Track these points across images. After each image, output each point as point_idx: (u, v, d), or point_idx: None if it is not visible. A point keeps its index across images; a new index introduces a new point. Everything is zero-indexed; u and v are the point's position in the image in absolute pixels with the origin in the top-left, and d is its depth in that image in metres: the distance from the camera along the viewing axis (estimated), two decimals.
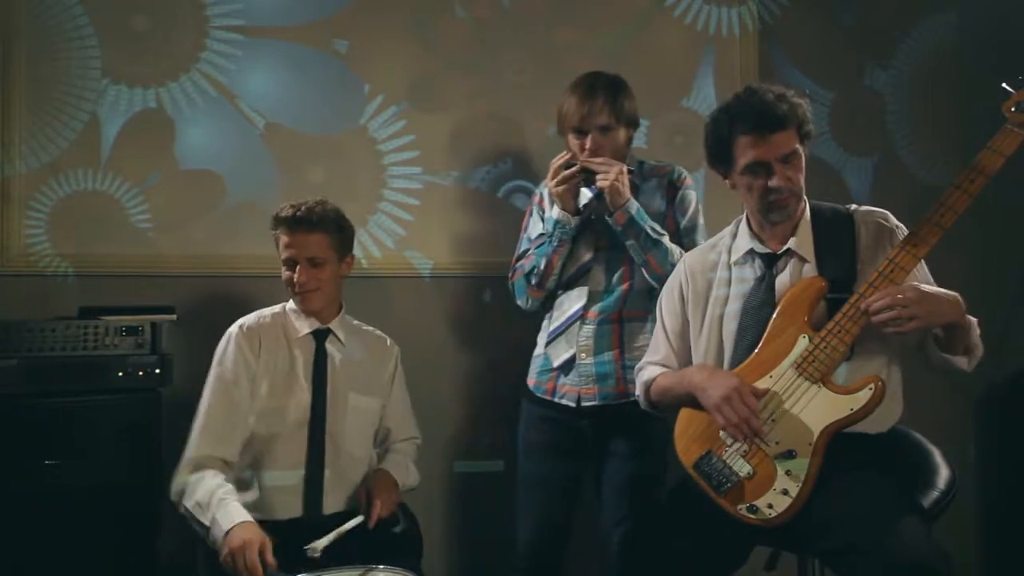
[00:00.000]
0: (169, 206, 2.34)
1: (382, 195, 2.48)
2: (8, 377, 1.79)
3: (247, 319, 1.90)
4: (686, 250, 1.96)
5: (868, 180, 2.81)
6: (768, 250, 1.69)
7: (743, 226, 1.76)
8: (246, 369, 1.82)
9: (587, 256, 2.02)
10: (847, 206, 1.73)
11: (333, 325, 1.93)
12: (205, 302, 2.33)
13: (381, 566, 1.47)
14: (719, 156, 1.69)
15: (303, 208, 1.84)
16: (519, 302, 2.11)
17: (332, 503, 1.82)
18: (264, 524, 1.72)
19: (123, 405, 1.88)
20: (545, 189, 2.10)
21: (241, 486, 1.78)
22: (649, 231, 1.93)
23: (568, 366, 2.00)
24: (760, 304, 1.66)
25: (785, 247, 1.67)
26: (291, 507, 1.79)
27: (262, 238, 2.03)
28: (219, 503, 1.63)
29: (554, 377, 2.02)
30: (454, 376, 2.51)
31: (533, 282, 2.03)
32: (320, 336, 1.91)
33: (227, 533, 1.58)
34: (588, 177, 1.96)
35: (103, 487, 1.82)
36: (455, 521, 2.49)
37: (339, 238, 1.90)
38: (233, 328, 1.88)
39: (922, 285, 1.52)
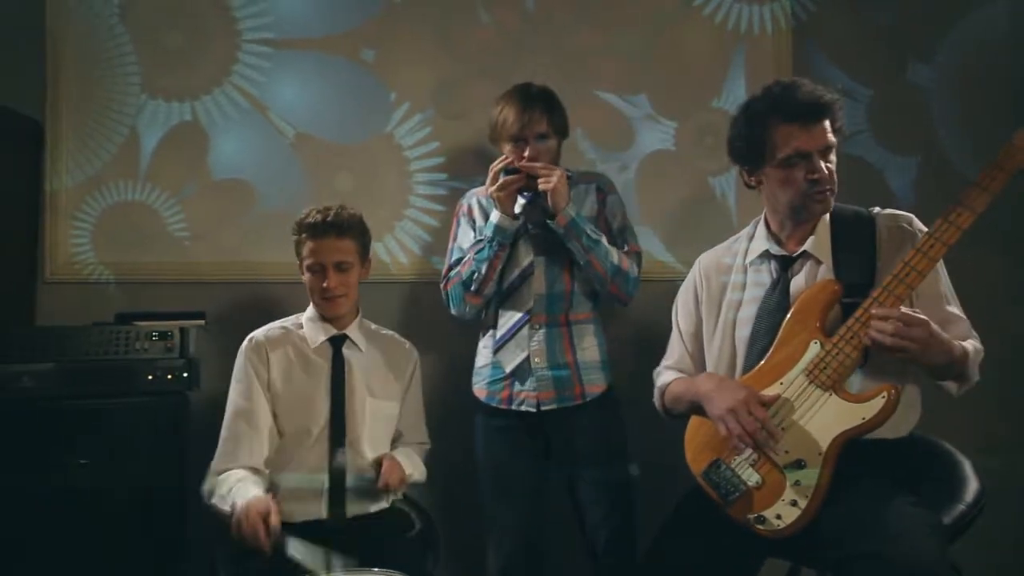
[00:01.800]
0: (204, 215, 2.42)
1: (408, 201, 2.51)
2: (44, 380, 1.89)
3: (257, 332, 1.96)
4: (625, 252, 2.03)
5: (911, 179, 2.70)
6: (784, 252, 1.65)
7: (761, 227, 1.72)
8: (258, 380, 1.87)
9: (527, 260, 2.05)
10: (870, 208, 1.67)
11: (350, 330, 1.97)
12: (238, 307, 2.39)
13: (376, 569, 1.48)
14: (751, 148, 1.63)
15: (331, 214, 1.88)
16: (454, 311, 2.14)
17: (355, 507, 1.85)
18: (286, 526, 1.77)
19: (152, 407, 1.94)
20: (473, 199, 2.17)
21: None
22: (589, 232, 1.97)
23: (522, 371, 2.02)
24: (774, 309, 1.62)
25: (801, 249, 1.63)
26: (312, 510, 1.82)
27: (292, 245, 2.07)
28: (238, 489, 1.69)
29: (508, 384, 2.04)
30: None
31: (472, 288, 2.05)
32: (337, 342, 1.94)
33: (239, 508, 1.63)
34: (525, 183, 1.99)
35: (131, 486, 1.88)
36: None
37: (363, 242, 1.95)
38: (244, 343, 1.93)
39: (934, 328, 1.44)
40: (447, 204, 2.52)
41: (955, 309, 1.59)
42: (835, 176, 1.60)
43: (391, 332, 2.09)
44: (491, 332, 2.10)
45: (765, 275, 1.67)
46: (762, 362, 1.58)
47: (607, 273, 1.98)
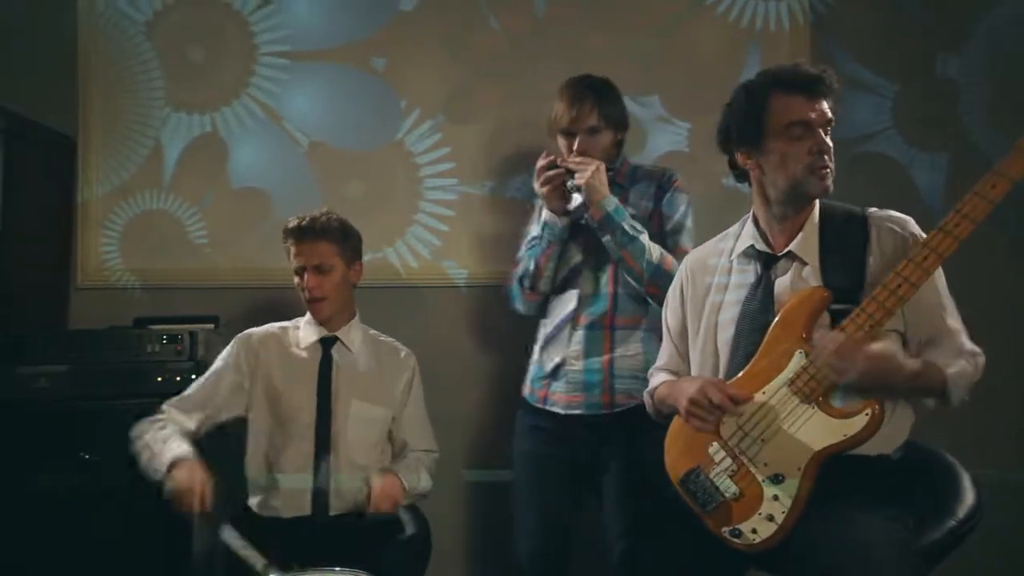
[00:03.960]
0: (223, 222, 2.52)
1: (418, 206, 2.55)
2: (60, 381, 2.01)
3: (255, 330, 2.02)
4: (670, 251, 1.95)
5: (941, 177, 2.58)
6: (769, 250, 1.59)
7: (748, 224, 1.67)
8: (236, 372, 1.94)
9: (576, 259, 2.02)
10: (864, 208, 1.60)
11: (341, 333, 2.01)
12: (255, 312, 2.45)
13: (337, 568, 1.51)
14: (750, 122, 1.54)
15: (308, 218, 1.95)
16: (515, 306, 2.12)
17: (336, 506, 1.89)
18: (273, 522, 1.85)
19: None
20: None
21: (252, 488, 1.91)
22: (627, 228, 1.91)
23: (558, 371, 1.99)
24: (757, 311, 1.55)
25: (787, 248, 1.57)
26: (297, 507, 1.87)
27: None
28: (163, 440, 1.78)
29: (546, 384, 2.02)
30: (490, 384, 2.53)
31: (526, 285, 2.04)
32: (327, 343, 1.99)
33: (169, 468, 1.71)
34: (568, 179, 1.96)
35: (137, 484, 1.93)
36: (491, 533, 2.51)
37: (344, 246, 1.98)
38: (239, 335, 2.00)
39: (885, 365, 1.37)
40: (456, 209, 2.55)
41: (952, 322, 1.50)
42: (832, 154, 1.53)
43: (390, 339, 2.12)
44: (542, 330, 2.09)
45: (750, 274, 1.61)
46: (745, 369, 1.53)
47: (644, 272, 1.90)
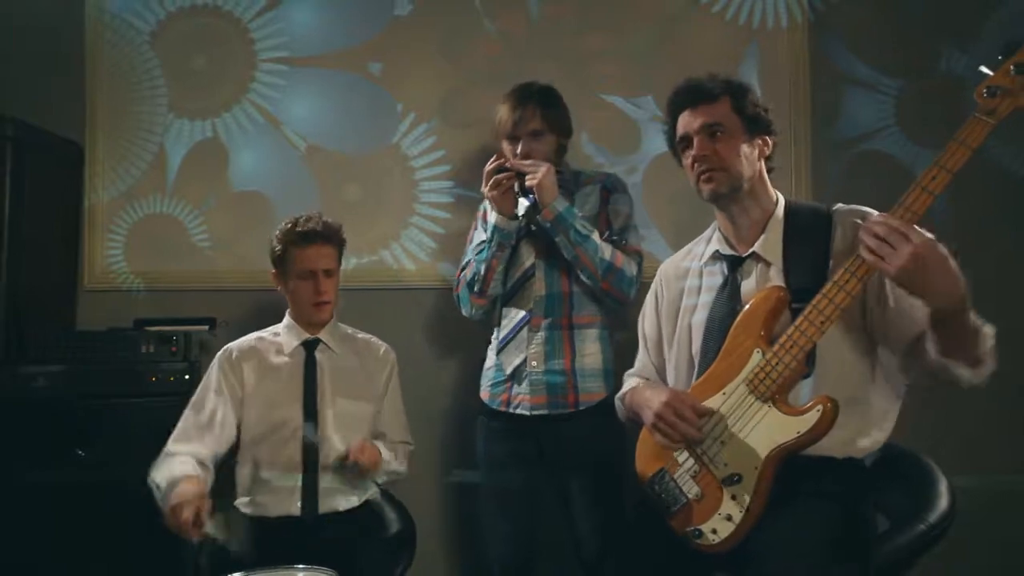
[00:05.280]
0: (224, 226, 2.57)
1: (414, 209, 2.57)
2: (58, 380, 2.07)
3: (233, 345, 2.02)
4: (623, 250, 1.99)
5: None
6: (734, 252, 1.58)
7: (717, 229, 1.67)
8: (230, 391, 1.93)
9: (529, 262, 2.04)
10: (832, 205, 1.57)
11: (322, 334, 2.03)
12: (255, 313, 2.50)
13: (301, 566, 1.52)
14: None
15: (318, 223, 1.96)
16: (463, 311, 2.14)
17: (326, 504, 1.90)
18: (262, 522, 1.87)
19: (154, 408, 2.08)
20: (488, 202, 2.12)
21: (241, 488, 1.93)
22: (579, 227, 1.94)
23: (519, 373, 2.01)
24: (725, 314, 1.55)
25: (751, 250, 1.56)
26: (286, 507, 1.89)
27: None
28: (169, 465, 1.76)
29: (508, 387, 2.03)
30: None
31: (475, 289, 2.06)
32: (310, 346, 2.01)
33: (171, 490, 1.67)
34: (523, 184, 1.98)
35: (131, 482, 1.99)
36: (477, 534, 2.51)
37: (341, 250, 2.03)
38: (219, 353, 2.00)
39: (940, 246, 1.28)
40: (452, 211, 2.56)
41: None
42: (728, 157, 1.53)
43: (367, 336, 2.14)
44: (496, 333, 2.11)
45: (718, 278, 1.60)
46: (707, 370, 1.52)
47: (597, 269, 1.95)
